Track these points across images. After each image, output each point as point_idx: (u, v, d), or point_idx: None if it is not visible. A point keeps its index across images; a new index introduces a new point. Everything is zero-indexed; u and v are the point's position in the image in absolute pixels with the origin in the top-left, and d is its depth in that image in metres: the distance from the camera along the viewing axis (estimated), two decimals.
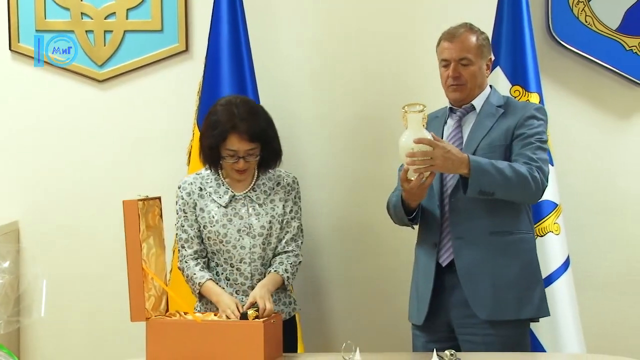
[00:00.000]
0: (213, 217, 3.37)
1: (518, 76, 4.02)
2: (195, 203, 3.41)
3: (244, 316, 3.14)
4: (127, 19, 4.30)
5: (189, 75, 4.26)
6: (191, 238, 3.40)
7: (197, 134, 4.04)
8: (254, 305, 3.20)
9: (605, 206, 4.27)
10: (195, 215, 3.40)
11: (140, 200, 3.21)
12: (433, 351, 3.02)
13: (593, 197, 4.27)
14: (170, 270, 3.96)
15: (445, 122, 3.52)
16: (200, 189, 3.42)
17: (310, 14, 4.31)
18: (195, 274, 3.35)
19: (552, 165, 3.97)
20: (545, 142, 3.40)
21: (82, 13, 4.30)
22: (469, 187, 3.22)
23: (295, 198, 3.48)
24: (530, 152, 3.32)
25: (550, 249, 3.98)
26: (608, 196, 4.27)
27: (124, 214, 3.18)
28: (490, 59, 3.50)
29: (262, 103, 4.07)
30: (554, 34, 4.20)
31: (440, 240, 3.40)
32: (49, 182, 4.40)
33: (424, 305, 3.42)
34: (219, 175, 3.43)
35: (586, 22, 4.20)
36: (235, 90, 4.02)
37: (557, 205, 4.01)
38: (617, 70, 4.20)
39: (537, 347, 3.84)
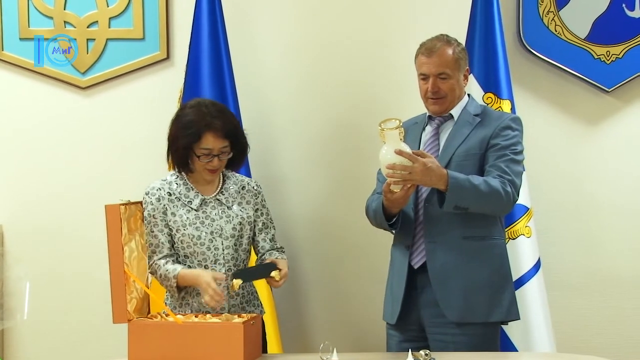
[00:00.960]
0: (185, 221, 3.40)
1: (490, 83, 4.07)
2: (166, 208, 3.40)
3: (230, 278, 3.22)
4: (109, 27, 4.35)
5: (170, 82, 4.31)
6: (161, 243, 3.39)
7: None
8: (263, 269, 3.33)
9: (574, 209, 4.34)
10: (166, 221, 3.41)
11: (123, 204, 3.25)
12: (408, 351, 3.08)
13: (562, 201, 4.33)
14: None
15: (424, 129, 3.56)
16: (170, 194, 3.42)
17: (289, 22, 4.37)
18: (167, 270, 3.34)
19: (524, 170, 4.05)
20: (520, 152, 3.45)
21: (65, 21, 4.34)
22: (446, 202, 3.28)
23: (263, 201, 3.55)
24: (504, 164, 3.38)
25: (522, 252, 4.04)
26: (576, 200, 4.34)
27: (107, 218, 3.21)
28: (467, 69, 3.54)
29: (242, 109, 4.17)
30: (524, 43, 4.27)
31: (414, 243, 3.46)
32: (32, 186, 4.43)
33: (397, 305, 3.48)
34: (186, 179, 3.46)
35: (556, 31, 4.27)
36: (215, 97, 4.06)
37: (528, 208, 4.07)
38: (585, 78, 4.27)
39: (508, 346, 3.90)
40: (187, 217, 3.40)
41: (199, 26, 4.14)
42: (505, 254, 3.51)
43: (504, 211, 3.45)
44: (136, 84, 4.40)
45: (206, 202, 3.44)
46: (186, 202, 3.42)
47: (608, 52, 4.26)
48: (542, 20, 4.27)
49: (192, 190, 3.44)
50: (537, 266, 4.07)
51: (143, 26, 4.34)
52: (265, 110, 4.35)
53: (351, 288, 4.37)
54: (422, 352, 3.09)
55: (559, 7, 4.27)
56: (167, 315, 3.26)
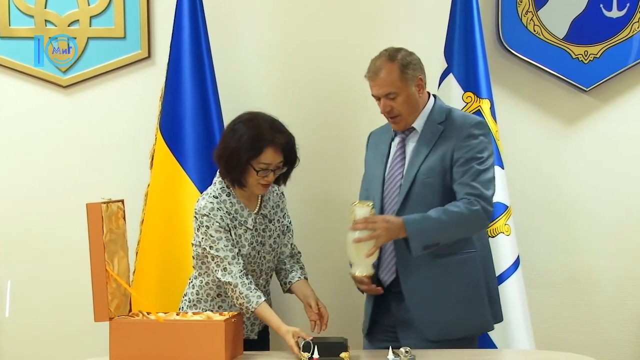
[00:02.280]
0: (244, 241, 3.40)
1: (470, 83, 4.09)
2: (229, 226, 3.38)
3: (306, 347, 3.14)
4: (90, 26, 4.34)
5: (151, 81, 4.30)
6: (237, 255, 3.36)
7: (160, 138, 4.10)
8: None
9: (553, 208, 4.37)
10: (232, 239, 3.39)
11: (104, 203, 3.25)
12: (388, 349, 3.12)
13: (541, 199, 4.37)
14: (134, 272, 4.02)
15: (393, 139, 3.55)
16: (228, 214, 3.39)
17: (270, 20, 4.38)
18: (249, 292, 3.32)
19: (503, 168, 4.09)
20: (486, 159, 3.39)
21: (46, 20, 4.33)
22: (411, 247, 3.27)
23: (286, 206, 3.59)
24: (470, 179, 3.33)
25: (501, 250, 4.06)
26: (555, 198, 4.37)
27: (88, 217, 3.21)
28: (420, 77, 3.45)
29: (223, 107, 4.17)
30: (504, 43, 4.29)
31: (382, 262, 3.45)
32: (12, 185, 4.42)
33: (367, 318, 3.54)
34: (233, 194, 3.43)
35: (534, 31, 4.30)
36: (196, 96, 4.09)
37: (507, 207, 4.09)
38: (563, 78, 4.31)
39: (487, 343, 3.91)
40: (246, 237, 3.41)
41: (180, 25, 4.14)
42: (479, 266, 3.46)
43: (480, 228, 3.42)
44: (117, 83, 4.39)
45: (255, 220, 3.44)
46: (242, 222, 3.42)
47: (586, 52, 4.30)
48: (521, 20, 4.30)
49: (245, 209, 3.44)
50: (516, 264, 4.10)
51: (124, 25, 4.34)
52: (246, 109, 4.32)
53: (336, 287, 4.34)
54: (402, 349, 3.11)
55: (538, 7, 4.30)
56: (148, 313, 3.26)
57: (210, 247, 3.36)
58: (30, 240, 4.41)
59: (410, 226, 3.25)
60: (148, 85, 4.32)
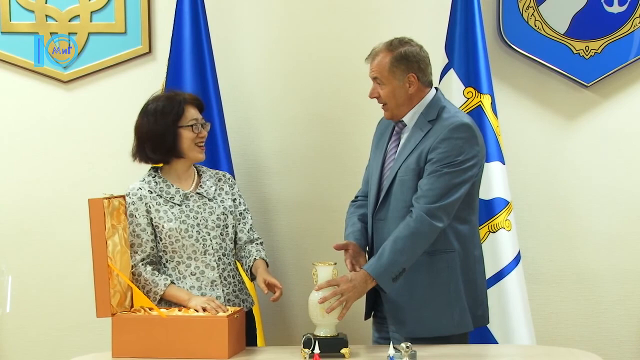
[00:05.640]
0: (171, 215, 3.42)
1: (471, 78, 4.09)
2: (149, 206, 3.42)
3: (307, 342, 3.10)
4: (91, 21, 4.35)
5: (152, 76, 4.30)
6: (144, 242, 3.41)
7: None
8: None
9: (553, 203, 4.37)
10: (149, 219, 3.42)
11: (106, 198, 3.26)
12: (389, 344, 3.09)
13: (542, 195, 4.37)
14: None
15: (393, 131, 3.51)
16: (150, 192, 3.44)
17: (271, 15, 4.38)
18: (154, 277, 3.37)
19: (503, 164, 4.10)
20: (459, 163, 3.28)
21: (46, 15, 4.34)
22: (382, 287, 3.26)
23: (239, 192, 3.61)
24: (430, 182, 3.27)
25: (502, 245, 4.06)
26: (556, 194, 4.37)
27: (90, 212, 3.21)
28: (414, 75, 3.37)
29: (224, 102, 4.19)
30: (505, 38, 4.29)
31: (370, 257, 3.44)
32: (12, 180, 4.43)
33: (369, 303, 3.52)
34: (163, 177, 3.48)
35: (535, 26, 4.30)
36: (197, 91, 4.05)
37: (508, 202, 4.09)
38: (564, 73, 4.31)
39: (488, 339, 3.93)
40: (172, 212, 3.43)
41: (180, 20, 4.14)
42: (456, 267, 3.38)
43: (432, 239, 3.31)
44: (118, 78, 4.40)
45: (187, 196, 3.47)
46: (168, 198, 3.45)
47: (587, 47, 4.30)
48: (522, 15, 4.30)
49: (172, 186, 3.47)
50: (517, 259, 4.10)
51: (125, 20, 4.34)
52: (247, 103, 4.37)
53: None
54: (403, 344, 3.07)
55: (539, 2, 4.30)
56: (150, 309, 3.26)
57: (128, 231, 3.42)
58: (31, 235, 4.42)
59: (373, 271, 3.24)
60: (149, 80, 4.30)
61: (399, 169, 3.36)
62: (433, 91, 3.45)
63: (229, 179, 3.62)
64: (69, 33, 4.35)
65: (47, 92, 4.41)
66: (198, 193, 3.49)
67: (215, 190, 3.53)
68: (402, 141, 3.43)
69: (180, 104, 3.44)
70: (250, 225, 3.60)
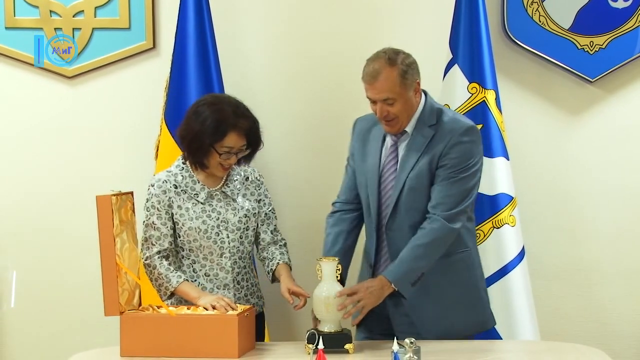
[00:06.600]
0: (192, 214, 3.40)
1: (475, 74, 4.09)
2: (171, 201, 3.41)
3: (311, 338, 3.07)
4: (95, 16, 4.33)
5: (156, 72, 4.30)
6: (163, 236, 3.40)
7: (165, 129, 4.11)
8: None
9: (558, 199, 4.38)
10: (170, 214, 3.41)
11: (114, 195, 3.21)
12: (393, 339, 3.08)
13: (546, 190, 4.38)
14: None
15: (384, 139, 3.48)
16: (175, 187, 3.42)
17: (276, 12, 4.38)
18: (169, 272, 3.36)
19: (508, 159, 4.11)
20: (471, 166, 3.33)
21: (50, 11, 4.32)
22: (401, 292, 3.29)
23: (266, 191, 3.58)
24: (446, 189, 3.31)
25: (506, 241, 4.08)
26: (560, 189, 4.38)
27: (98, 209, 3.17)
28: (418, 81, 3.37)
29: None
30: (509, 33, 4.29)
31: (378, 267, 3.47)
32: (18, 177, 4.42)
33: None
34: (191, 171, 3.45)
35: (540, 21, 4.30)
36: (201, 87, 4.09)
37: (512, 198, 4.10)
38: (569, 68, 4.31)
39: (492, 334, 3.90)
40: (194, 210, 3.41)
41: (185, 15, 4.13)
42: (472, 265, 3.48)
43: (449, 242, 3.36)
44: (122, 74, 4.39)
45: (212, 195, 3.44)
46: (192, 195, 3.43)
47: (591, 43, 4.30)
48: (527, 10, 4.30)
49: (198, 183, 3.44)
50: (521, 255, 4.11)
51: (129, 16, 4.33)
52: (251, 100, 4.27)
53: None
54: (407, 340, 3.04)
55: None
56: (159, 307, 3.25)
57: (144, 222, 3.41)
58: (36, 231, 4.41)
59: (395, 279, 3.27)
60: (153, 76, 4.32)
61: (406, 178, 3.36)
62: (423, 95, 3.45)
63: (256, 178, 3.57)
64: (73, 28, 4.33)
65: (51, 88, 4.39)
66: (223, 192, 3.47)
67: (241, 190, 3.51)
68: (401, 150, 3.41)
69: (226, 129, 3.34)
70: (275, 226, 3.58)
